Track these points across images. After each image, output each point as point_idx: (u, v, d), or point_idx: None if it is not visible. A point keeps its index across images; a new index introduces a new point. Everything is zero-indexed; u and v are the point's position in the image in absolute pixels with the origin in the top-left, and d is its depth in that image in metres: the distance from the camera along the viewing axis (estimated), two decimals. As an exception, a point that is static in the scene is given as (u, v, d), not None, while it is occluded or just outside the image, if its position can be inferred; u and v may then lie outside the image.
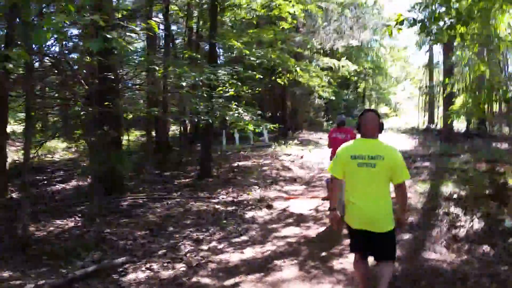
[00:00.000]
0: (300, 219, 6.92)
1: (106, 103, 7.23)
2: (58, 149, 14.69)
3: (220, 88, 8.58)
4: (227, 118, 8.13)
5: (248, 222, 6.82)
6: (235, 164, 12.30)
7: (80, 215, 6.85)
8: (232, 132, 12.99)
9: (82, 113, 6.72)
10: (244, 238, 6.03)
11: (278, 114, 21.71)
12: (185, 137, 17.56)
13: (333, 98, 22.91)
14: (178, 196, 8.33)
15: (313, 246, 5.59)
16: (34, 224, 6.33)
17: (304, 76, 12.91)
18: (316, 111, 24.53)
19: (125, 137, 16.10)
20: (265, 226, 6.61)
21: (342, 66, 20.55)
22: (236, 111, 8.74)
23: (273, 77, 14.34)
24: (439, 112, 31.17)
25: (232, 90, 8.90)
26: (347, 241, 5.68)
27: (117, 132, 8.38)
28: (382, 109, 49.82)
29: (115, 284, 4.33)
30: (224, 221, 6.63)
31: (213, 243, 5.76)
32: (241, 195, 8.56)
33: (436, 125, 26.46)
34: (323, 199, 8.02)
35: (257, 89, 12.86)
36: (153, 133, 14.76)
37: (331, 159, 6.34)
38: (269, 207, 7.72)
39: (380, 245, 3.47)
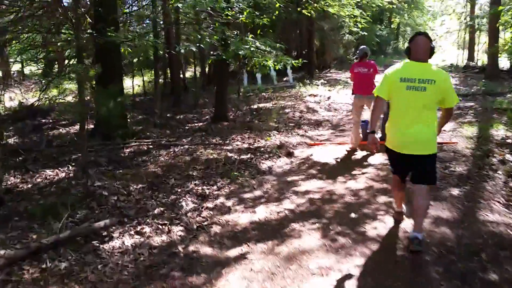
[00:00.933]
0: (325, 170, 5.91)
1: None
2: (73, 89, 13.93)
3: (231, 16, 7.28)
4: (240, 53, 6.95)
5: (263, 173, 5.87)
6: (255, 106, 11.23)
7: (74, 164, 6.06)
8: (254, 72, 11.80)
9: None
10: (257, 193, 5.11)
11: (304, 52, 20.11)
12: (204, 77, 16.51)
13: (365, 33, 21.03)
14: (188, 142, 7.42)
15: (340, 205, 4.61)
16: (21, 175, 5.60)
17: (333, 5, 11.33)
18: (346, 48, 22.69)
19: (139, 79, 15.30)
20: (283, 178, 5.65)
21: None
22: (253, 45, 7.51)
23: (298, 9, 12.75)
24: (479, 48, 28.66)
25: (248, 19, 7.60)
26: (381, 199, 4.72)
27: (115, 68, 7.40)
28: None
29: (92, 254, 3.52)
30: (236, 173, 5.69)
31: (220, 199, 4.87)
32: (258, 141, 7.56)
33: (477, 62, 24.19)
34: (350, 148, 6.94)
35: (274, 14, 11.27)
36: (168, 74, 13.77)
37: (352, 94, 6.52)
38: (290, 155, 6.73)
39: (422, 168, 3.46)
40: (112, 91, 7.17)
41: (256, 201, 4.84)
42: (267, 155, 6.67)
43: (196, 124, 9.16)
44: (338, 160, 6.41)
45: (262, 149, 7.03)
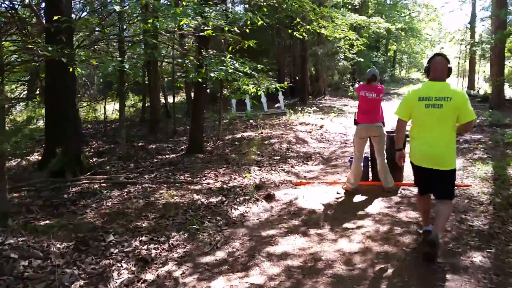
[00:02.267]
0: (310, 221, 4.71)
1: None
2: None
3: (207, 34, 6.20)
4: (212, 75, 5.83)
5: (233, 224, 4.67)
6: (238, 136, 10.09)
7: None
8: (229, 98, 10.73)
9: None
10: (220, 254, 3.89)
11: (297, 78, 19.18)
12: (189, 103, 15.43)
13: (361, 59, 20.19)
14: (150, 180, 6.22)
15: (327, 279, 3.39)
16: None
17: (327, 26, 10.36)
18: (341, 74, 21.80)
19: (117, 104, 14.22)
20: (257, 231, 4.44)
21: (374, 23, 17.60)
22: (231, 66, 6.41)
23: (290, 30, 11.80)
24: (479, 76, 27.92)
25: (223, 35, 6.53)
26: (382, 270, 3.50)
27: (67, 91, 6.28)
28: (414, 74, 46.31)
29: None
30: (195, 225, 4.47)
31: (168, 266, 3.64)
32: (234, 178, 6.38)
33: (478, 91, 23.33)
34: (345, 190, 5.77)
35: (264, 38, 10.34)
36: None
37: (355, 123, 5.68)
38: (270, 198, 5.53)
39: (441, 183, 3.62)
40: (61, 118, 6.09)
41: (216, 268, 3.61)
42: (242, 198, 5.48)
43: (167, 156, 7.98)
44: (329, 206, 5.21)
45: (238, 189, 5.84)
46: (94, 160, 7.65)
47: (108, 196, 5.38)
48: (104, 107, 11.07)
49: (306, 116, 12.76)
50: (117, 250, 3.87)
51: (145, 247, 3.96)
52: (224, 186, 5.98)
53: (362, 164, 5.74)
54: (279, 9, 10.21)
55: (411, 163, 3.83)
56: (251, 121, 13.09)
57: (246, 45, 8.62)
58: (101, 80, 12.08)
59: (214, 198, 5.43)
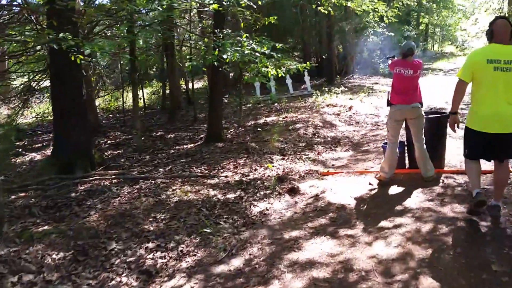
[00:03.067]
0: (340, 218, 4.12)
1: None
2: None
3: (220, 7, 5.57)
4: (224, 56, 5.23)
5: (252, 224, 4.14)
6: (261, 121, 9.50)
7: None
8: (247, 81, 10.13)
9: None
10: (235, 263, 3.38)
11: (324, 56, 18.31)
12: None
13: (392, 34, 19.02)
14: (164, 173, 5.77)
15: (361, 295, 2.82)
16: None
17: (354, -1, 9.51)
18: (370, 51, 20.70)
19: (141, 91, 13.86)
20: (278, 233, 3.89)
21: None
22: (248, 46, 5.80)
23: (314, 6, 11.00)
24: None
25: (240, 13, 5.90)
26: (428, 282, 2.89)
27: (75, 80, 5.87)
28: (447, 48, 44.01)
29: None
30: (208, 229, 3.97)
31: (175, 280, 3.16)
32: (255, 169, 5.84)
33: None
34: (379, 180, 5.12)
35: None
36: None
37: (388, 104, 4.98)
38: (293, 191, 4.96)
39: (508, 145, 3.57)
40: (69, 110, 5.69)
41: (229, 282, 3.10)
42: (262, 192, 4.94)
43: (185, 146, 7.52)
44: (360, 200, 4.59)
45: (259, 182, 5.30)
46: (109, 153, 7.27)
47: (117, 194, 4.95)
48: (122, 95, 10.70)
49: (333, 97, 12.01)
50: (119, 260, 3.42)
51: (150, 255, 3.50)
52: (244, 178, 5.45)
53: (397, 150, 5.08)
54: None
55: (467, 129, 3.73)
56: (275, 104, 12.45)
57: (267, 22, 8.00)
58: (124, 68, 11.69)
59: (232, 193, 4.91)
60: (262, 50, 5.82)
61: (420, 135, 4.94)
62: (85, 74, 7.88)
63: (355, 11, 12.44)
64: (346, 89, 13.91)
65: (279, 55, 6.18)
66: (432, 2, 32.03)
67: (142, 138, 8.06)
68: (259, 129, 8.54)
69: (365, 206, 4.40)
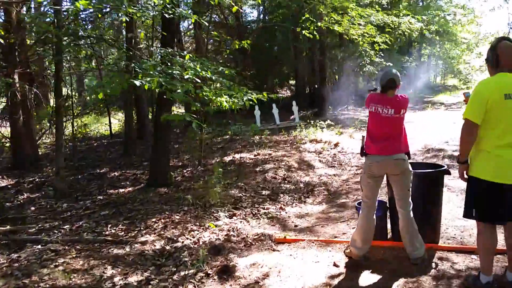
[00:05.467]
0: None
1: None
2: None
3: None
4: (137, 83, 3.86)
5: None
6: (229, 158, 8.10)
7: None
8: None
9: None
10: None
11: (316, 86, 17.08)
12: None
13: (390, 64, 17.81)
14: (65, 234, 4.34)
15: None
16: None
17: (341, 22, 8.27)
18: (366, 81, 19.51)
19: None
20: None
21: (404, 23, 15.16)
22: (191, 68, 4.45)
23: (298, 29, 9.80)
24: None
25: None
26: None
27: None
28: (450, 81, 42.91)
29: None
30: None
31: None
32: (191, 231, 4.41)
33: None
34: (348, 257, 3.68)
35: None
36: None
37: (362, 153, 3.64)
38: (226, 272, 3.51)
39: None
40: None
41: None
42: (183, 273, 3.49)
43: (121, 190, 6.10)
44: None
45: (186, 253, 3.86)
46: (24, 197, 5.86)
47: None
48: (72, 122, 9.35)
49: (319, 131, 10.62)
50: None
51: None
52: (167, 247, 4.01)
53: (374, 217, 3.65)
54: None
55: (475, 181, 2.88)
56: (256, 137, 11.08)
57: (237, 46, 6.81)
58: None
59: (138, 275, 3.46)
60: (207, 75, 4.48)
61: (406, 198, 3.53)
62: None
63: (348, 38, 11.32)
64: (336, 122, 12.55)
65: (227, 83, 4.85)
66: (435, 33, 31.22)
67: (79, 177, 6.69)
68: (220, 169, 7.12)
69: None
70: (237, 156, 8.21)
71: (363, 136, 3.72)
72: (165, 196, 5.64)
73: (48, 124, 10.19)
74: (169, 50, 4.80)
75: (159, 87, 4.02)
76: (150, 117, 11.27)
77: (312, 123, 11.56)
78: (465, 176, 2.96)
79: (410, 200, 3.54)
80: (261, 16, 19.75)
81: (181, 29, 14.58)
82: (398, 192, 3.55)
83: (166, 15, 4.94)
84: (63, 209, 5.25)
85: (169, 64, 4.51)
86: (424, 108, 17.45)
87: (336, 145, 9.19)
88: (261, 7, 18.83)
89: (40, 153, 9.11)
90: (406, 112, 3.48)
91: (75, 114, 10.69)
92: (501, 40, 2.87)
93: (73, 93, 9.55)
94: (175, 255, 3.83)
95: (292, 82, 20.52)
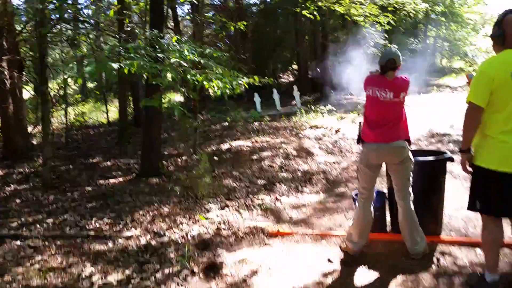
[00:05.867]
0: None
1: None
2: None
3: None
4: (114, 66, 3.58)
5: None
6: (226, 146, 7.85)
7: None
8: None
9: None
10: None
11: (318, 69, 16.67)
12: (186, 104, 13.33)
13: (395, 46, 17.36)
14: (46, 229, 4.13)
15: None
16: None
17: (342, 2, 7.90)
18: (369, 63, 19.08)
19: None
20: None
21: (409, 3, 14.58)
22: (174, 49, 4.17)
23: (298, 9, 9.43)
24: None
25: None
26: None
27: None
28: (456, 63, 42.15)
29: None
30: None
31: None
32: (179, 224, 4.19)
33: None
34: (344, 252, 3.45)
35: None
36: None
37: (358, 141, 3.35)
38: (212, 270, 3.29)
39: None
40: None
41: None
42: (167, 270, 3.28)
43: (111, 181, 5.88)
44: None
45: (172, 247, 3.65)
46: (12, 188, 5.65)
47: None
48: (65, 110, 9.10)
49: (320, 116, 10.31)
50: None
51: None
52: (153, 242, 3.79)
53: (372, 209, 3.40)
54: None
55: (480, 170, 2.58)
56: (256, 123, 10.81)
57: (232, 28, 6.53)
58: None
59: (119, 273, 3.24)
60: (195, 58, 4.20)
61: (406, 188, 3.27)
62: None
63: (349, 18, 10.92)
64: (338, 107, 12.22)
65: (217, 66, 4.56)
66: (441, 14, 30.51)
67: (71, 167, 6.49)
68: (215, 157, 6.88)
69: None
70: (234, 143, 7.95)
71: (360, 123, 3.45)
72: (156, 187, 5.41)
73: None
74: (155, 32, 4.52)
75: (139, 70, 3.75)
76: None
77: (313, 108, 11.24)
78: (468, 167, 2.69)
79: (410, 190, 3.28)
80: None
81: (180, 13, 14.27)
82: (397, 182, 3.30)
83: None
84: (49, 201, 5.04)
85: (156, 47, 4.23)
86: (429, 91, 17.03)
87: (337, 131, 8.92)
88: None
89: (35, 142, 8.91)
90: (407, 96, 3.20)
91: (74, 102, 10.47)
92: (508, 13, 2.53)
93: (67, 80, 9.22)
94: (160, 251, 3.61)
95: (295, 66, 20.10)
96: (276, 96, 13.74)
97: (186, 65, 4.26)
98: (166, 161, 6.82)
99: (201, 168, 5.00)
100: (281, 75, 21.37)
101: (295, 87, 13.97)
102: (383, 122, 3.17)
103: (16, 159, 7.09)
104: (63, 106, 9.55)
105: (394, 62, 3.14)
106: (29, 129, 8.58)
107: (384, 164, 3.36)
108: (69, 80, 10.38)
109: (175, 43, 4.36)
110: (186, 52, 4.26)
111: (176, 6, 11.93)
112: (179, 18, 13.65)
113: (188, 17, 14.76)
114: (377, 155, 3.22)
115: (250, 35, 17.14)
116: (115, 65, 3.53)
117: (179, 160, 6.94)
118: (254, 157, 6.79)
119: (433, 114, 9.51)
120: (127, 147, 8.05)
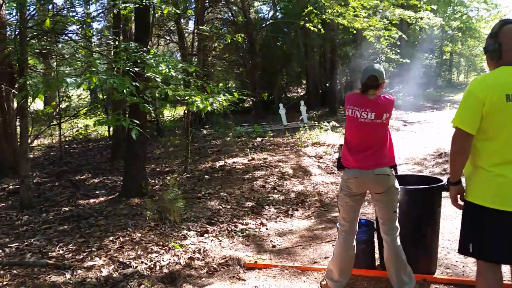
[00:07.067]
0: None
1: None
2: None
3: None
4: (69, 81, 3.28)
5: None
6: (221, 163, 7.51)
7: None
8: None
9: None
10: None
11: (327, 84, 16.34)
12: (186, 118, 13.09)
13: (407, 61, 16.85)
14: (6, 255, 3.82)
15: None
16: None
17: (345, 14, 7.58)
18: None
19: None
20: None
21: (420, 18, 14.08)
22: (149, 61, 3.88)
23: (302, 22, 9.13)
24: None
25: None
26: None
27: None
28: (472, 79, 41.25)
29: None
30: None
31: None
32: (149, 252, 3.83)
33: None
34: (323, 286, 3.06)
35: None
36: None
37: (338, 166, 3.04)
38: (172, 310, 2.92)
39: None
40: None
41: None
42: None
43: (92, 201, 5.57)
44: None
45: (135, 281, 3.28)
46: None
47: None
48: (60, 126, 8.90)
49: (323, 132, 9.91)
50: None
51: None
52: (115, 274, 3.43)
53: (354, 244, 2.99)
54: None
55: (474, 208, 2.16)
56: (258, 139, 10.48)
57: (229, 40, 6.30)
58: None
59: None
60: (170, 73, 3.90)
61: (391, 222, 2.87)
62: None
63: (354, 31, 10.58)
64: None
65: (196, 81, 4.25)
66: (457, 30, 29.96)
67: (56, 184, 6.23)
68: (206, 176, 6.54)
69: None
70: (230, 161, 7.60)
71: (340, 145, 3.08)
72: (135, 208, 5.07)
73: (43, 127, 9.81)
74: (132, 45, 4.23)
75: (102, 84, 3.45)
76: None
77: (317, 124, 10.85)
78: (459, 201, 2.29)
79: (397, 224, 2.88)
80: (271, 13, 19.05)
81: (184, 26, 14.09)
82: (381, 214, 2.90)
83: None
84: (22, 222, 4.74)
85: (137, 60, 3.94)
86: (442, 108, 16.50)
87: (339, 147, 8.48)
88: (271, 3, 18.16)
89: (32, 156, 8.73)
90: (389, 117, 2.82)
91: (76, 114, 10.34)
92: (506, 23, 2.17)
93: (64, 95, 9.06)
94: (121, 284, 3.25)
95: (304, 81, 19.80)
96: (282, 111, 13.41)
97: (159, 80, 3.96)
98: (154, 179, 6.51)
99: (169, 192, 4.65)
100: (290, 89, 21.07)
101: (301, 102, 13.63)
102: (365, 146, 2.80)
103: (3, 175, 6.87)
104: (57, 120, 9.41)
105: (376, 79, 2.78)
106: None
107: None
108: (71, 92, 10.26)
109: (150, 57, 4.07)
110: (162, 67, 3.97)
111: (181, 19, 11.78)
112: (185, 33, 13.46)
113: (190, 30, 14.66)
114: (358, 183, 2.83)
115: (258, 49, 16.94)
116: (69, 80, 3.23)
117: (168, 178, 6.62)
118: (247, 176, 6.43)
119: (443, 132, 9.03)
120: (119, 163, 7.77)
